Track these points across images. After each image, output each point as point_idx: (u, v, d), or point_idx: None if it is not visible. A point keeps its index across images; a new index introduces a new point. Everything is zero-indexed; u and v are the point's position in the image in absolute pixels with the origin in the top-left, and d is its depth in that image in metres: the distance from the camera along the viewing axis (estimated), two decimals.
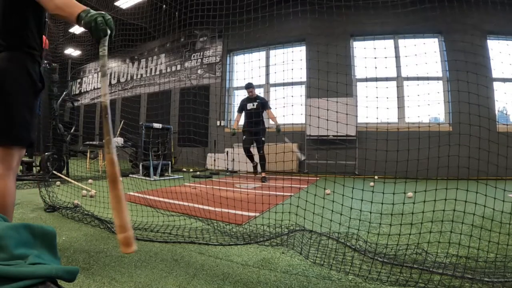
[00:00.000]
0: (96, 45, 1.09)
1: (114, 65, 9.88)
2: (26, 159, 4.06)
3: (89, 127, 9.89)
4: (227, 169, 6.16)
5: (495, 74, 5.00)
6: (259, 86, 6.37)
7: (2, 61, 1.14)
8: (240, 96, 6.15)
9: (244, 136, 4.92)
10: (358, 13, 5.04)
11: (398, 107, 5.05)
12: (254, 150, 4.87)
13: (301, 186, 3.76)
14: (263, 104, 4.84)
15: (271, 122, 5.02)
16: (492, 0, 4.89)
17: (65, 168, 4.30)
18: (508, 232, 1.50)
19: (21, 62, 1.19)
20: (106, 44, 1.08)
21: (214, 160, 6.36)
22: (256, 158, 4.91)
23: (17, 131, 1.16)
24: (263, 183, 4.66)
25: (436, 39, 5.67)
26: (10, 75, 1.15)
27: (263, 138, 4.82)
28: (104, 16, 1.05)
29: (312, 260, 1.37)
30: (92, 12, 1.05)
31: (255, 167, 5.00)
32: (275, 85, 6.77)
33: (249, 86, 4.95)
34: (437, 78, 5.45)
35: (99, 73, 1.11)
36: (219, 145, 6.51)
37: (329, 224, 1.82)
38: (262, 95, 6.13)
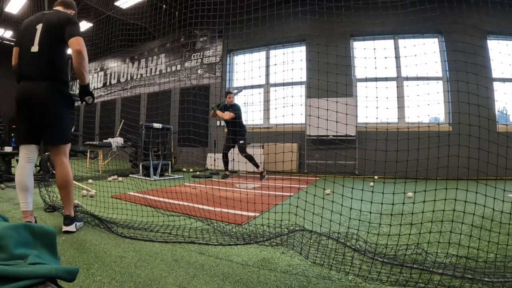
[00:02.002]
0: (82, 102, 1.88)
1: (114, 65, 9.87)
2: None
3: (89, 127, 9.88)
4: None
5: (495, 74, 5.00)
6: (259, 86, 6.36)
7: (50, 89, 1.75)
8: (239, 96, 6.16)
9: (225, 142, 5.09)
10: (358, 13, 5.03)
11: (398, 107, 5.06)
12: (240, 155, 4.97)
13: (301, 186, 3.76)
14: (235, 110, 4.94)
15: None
16: (492, 0, 4.89)
17: None
18: (508, 232, 1.50)
19: (61, 88, 1.81)
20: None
21: (214, 160, 6.35)
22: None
23: (65, 135, 1.86)
24: (262, 180, 4.66)
25: (436, 39, 5.67)
26: (57, 99, 1.78)
27: (241, 141, 4.92)
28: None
29: (312, 260, 1.37)
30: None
31: (227, 175, 5.09)
32: (275, 85, 6.77)
33: (228, 93, 5.04)
34: (437, 78, 5.45)
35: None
36: (219, 145, 6.51)
37: (329, 224, 1.82)
38: (262, 95, 6.15)
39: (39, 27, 1.77)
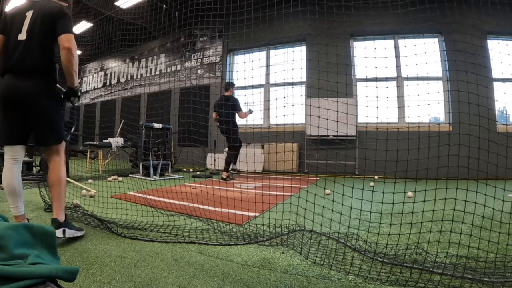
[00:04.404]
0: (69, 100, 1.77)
1: (114, 65, 9.88)
2: (26, 159, 4.07)
3: (89, 127, 9.88)
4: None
5: (495, 74, 5.00)
6: (259, 86, 6.37)
7: (42, 86, 1.61)
8: (240, 96, 6.16)
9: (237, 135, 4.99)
10: (358, 13, 5.04)
11: (398, 107, 5.05)
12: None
13: (301, 186, 3.76)
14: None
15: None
16: (492, 0, 4.89)
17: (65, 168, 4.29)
18: (508, 232, 1.50)
19: (50, 86, 1.67)
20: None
21: (214, 160, 6.36)
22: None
23: (59, 134, 1.72)
24: (224, 181, 4.57)
25: (436, 39, 5.67)
26: (49, 97, 1.65)
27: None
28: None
29: (312, 260, 1.37)
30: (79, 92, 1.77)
31: (230, 178, 5.04)
32: (275, 85, 6.77)
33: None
34: (437, 78, 5.45)
35: None
36: (219, 145, 6.51)
37: (329, 224, 1.82)
38: (262, 95, 6.20)
39: (29, 14, 1.61)
